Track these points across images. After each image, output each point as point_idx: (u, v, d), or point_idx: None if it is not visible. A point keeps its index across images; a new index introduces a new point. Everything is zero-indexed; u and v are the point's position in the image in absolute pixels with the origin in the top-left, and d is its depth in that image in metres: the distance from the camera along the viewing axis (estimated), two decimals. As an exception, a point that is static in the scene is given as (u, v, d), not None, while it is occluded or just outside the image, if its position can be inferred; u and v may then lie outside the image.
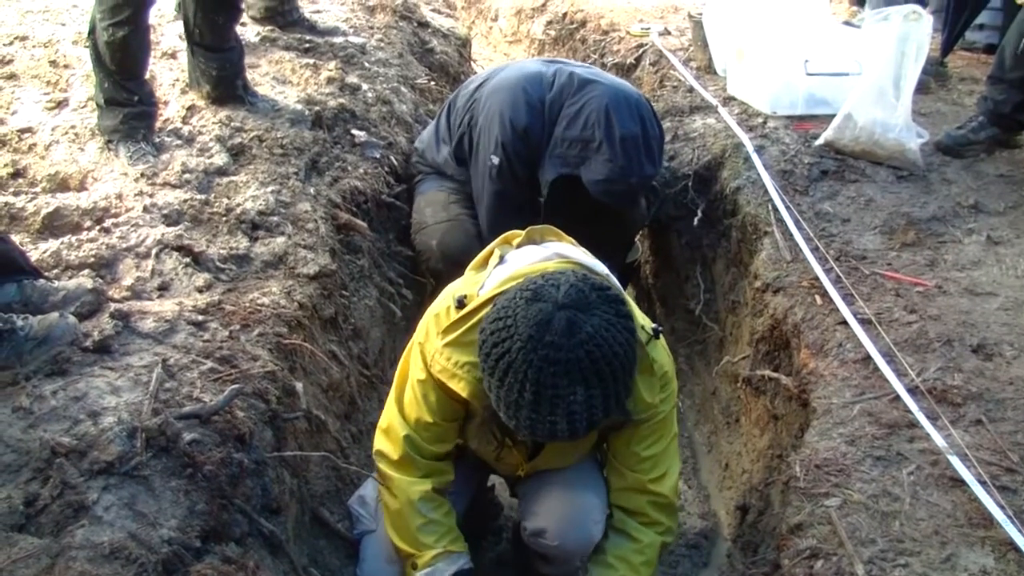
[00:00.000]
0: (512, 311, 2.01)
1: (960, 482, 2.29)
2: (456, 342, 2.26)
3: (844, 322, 2.97)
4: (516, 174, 3.71)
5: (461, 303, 2.27)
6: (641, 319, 2.30)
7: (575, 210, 3.73)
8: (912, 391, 2.61)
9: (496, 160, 3.68)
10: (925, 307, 2.99)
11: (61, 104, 3.84)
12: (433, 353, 2.30)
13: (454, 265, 3.73)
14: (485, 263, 2.48)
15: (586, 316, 1.96)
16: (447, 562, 2.49)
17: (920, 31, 3.72)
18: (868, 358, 2.79)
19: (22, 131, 3.57)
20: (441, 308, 2.36)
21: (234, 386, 2.42)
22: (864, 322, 2.93)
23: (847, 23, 5.38)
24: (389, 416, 2.55)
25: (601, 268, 2.37)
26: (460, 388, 2.27)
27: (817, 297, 3.15)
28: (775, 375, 3.17)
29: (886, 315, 2.97)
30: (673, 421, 2.50)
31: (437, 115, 4.14)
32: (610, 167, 3.52)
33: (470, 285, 2.37)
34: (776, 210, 3.61)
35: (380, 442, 2.58)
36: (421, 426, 2.46)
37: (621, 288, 2.33)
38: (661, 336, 2.35)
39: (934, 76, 4.87)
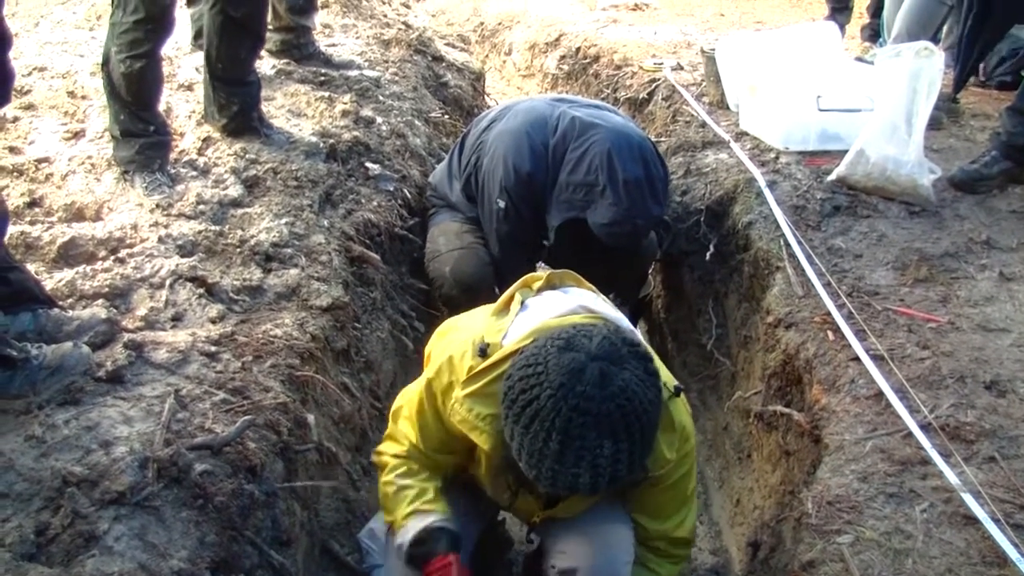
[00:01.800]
0: (543, 358, 1.99)
1: (974, 520, 2.27)
2: (478, 393, 2.23)
3: (856, 358, 2.96)
4: (522, 216, 3.78)
5: (484, 352, 2.25)
6: (665, 376, 2.28)
7: (583, 251, 3.77)
8: (925, 428, 2.59)
9: (502, 204, 3.75)
10: (938, 343, 2.98)
11: (78, 135, 3.87)
12: (453, 403, 2.27)
13: (467, 292, 3.79)
14: (506, 308, 2.44)
15: (618, 369, 1.94)
16: (416, 519, 2.44)
17: (932, 68, 3.73)
18: (880, 394, 2.78)
19: (39, 161, 3.60)
20: (458, 352, 2.33)
21: (246, 417, 2.42)
22: (876, 358, 2.92)
23: (859, 59, 5.40)
24: (393, 431, 2.56)
25: (626, 323, 2.37)
26: (482, 441, 2.25)
27: (829, 333, 3.14)
28: (787, 411, 3.16)
29: (898, 351, 2.96)
30: (693, 476, 2.48)
31: (451, 151, 4.19)
32: (615, 211, 3.56)
33: (492, 332, 2.32)
34: (788, 245, 3.61)
35: (382, 446, 2.60)
36: (424, 448, 2.48)
37: (648, 346, 2.32)
38: (682, 394, 2.34)
39: (946, 112, 4.87)
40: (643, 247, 4.09)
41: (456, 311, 4.05)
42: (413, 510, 2.45)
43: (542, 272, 2.53)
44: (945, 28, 5.74)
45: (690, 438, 2.39)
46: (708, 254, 4.14)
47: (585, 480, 1.95)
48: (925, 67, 3.72)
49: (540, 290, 2.48)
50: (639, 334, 2.37)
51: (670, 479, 2.38)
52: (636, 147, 3.62)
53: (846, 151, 4.00)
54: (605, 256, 3.74)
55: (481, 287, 3.85)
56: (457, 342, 2.38)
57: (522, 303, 2.41)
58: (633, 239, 3.79)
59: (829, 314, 3.20)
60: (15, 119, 3.92)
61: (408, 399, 2.52)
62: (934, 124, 4.40)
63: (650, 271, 4.77)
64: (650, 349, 2.15)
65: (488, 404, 2.20)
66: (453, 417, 2.28)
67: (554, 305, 2.36)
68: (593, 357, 1.95)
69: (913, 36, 4.91)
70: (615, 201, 3.55)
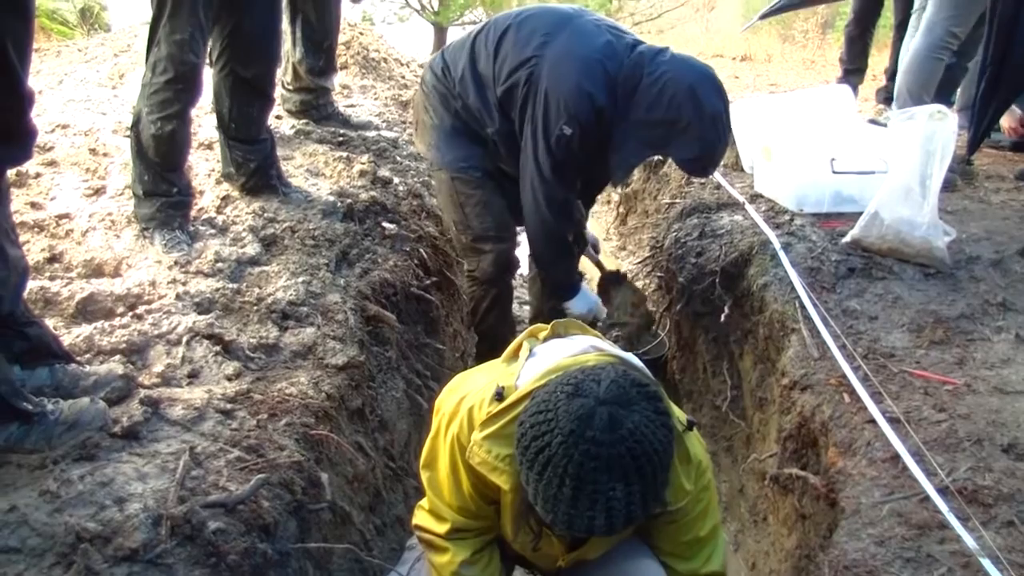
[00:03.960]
0: (553, 405, 1.99)
1: (993, 586, 2.25)
2: (496, 434, 2.23)
3: (872, 421, 2.94)
4: (585, 147, 3.66)
5: (500, 395, 2.26)
6: (676, 412, 2.29)
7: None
8: (942, 491, 2.57)
9: (568, 131, 3.60)
10: (954, 406, 2.96)
11: (99, 191, 3.92)
12: (471, 445, 2.28)
13: (505, 269, 4.08)
14: (515, 355, 2.47)
15: (627, 412, 1.94)
16: None
17: (945, 131, 3.74)
18: (897, 457, 2.75)
19: (60, 217, 3.63)
20: (477, 401, 2.33)
21: (260, 475, 2.42)
22: (893, 421, 2.91)
23: (873, 121, 5.44)
24: (434, 505, 2.52)
25: (638, 362, 2.37)
26: (502, 481, 2.25)
27: (845, 395, 3.13)
28: (803, 474, 3.14)
29: (915, 414, 2.95)
30: (714, 511, 2.47)
31: (472, 41, 3.95)
32: (700, 145, 3.54)
33: (506, 377, 2.35)
34: (803, 307, 3.60)
35: (424, 519, 2.56)
36: (463, 510, 2.45)
37: (658, 383, 2.32)
38: (695, 429, 2.34)
39: (961, 174, 4.89)
40: None
41: (491, 286, 4.18)
42: None
43: (544, 325, 2.55)
44: (959, 89, 5.79)
45: (707, 472, 2.38)
46: (723, 315, 4.14)
47: (600, 522, 1.95)
48: (939, 130, 3.74)
49: (546, 339, 2.50)
50: (649, 372, 2.36)
51: (691, 513, 2.36)
52: (716, 81, 3.60)
53: (860, 213, 4.00)
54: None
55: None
56: (474, 392, 2.39)
57: (530, 351, 2.43)
58: (710, 169, 3.87)
59: (845, 376, 3.19)
60: (37, 175, 3.97)
61: (438, 463, 2.49)
62: (948, 186, 4.42)
63: (664, 333, 4.78)
64: (660, 388, 2.16)
65: (506, 445, 2.20)
66: (472, 460, 2.27)
67: (565, 347, 2.38)
68: (602, 401, 1.95)
69: (914, 95, 4.96)
70: (701, 135, 3.52)
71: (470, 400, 2.36)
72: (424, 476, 2.53)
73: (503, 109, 3.80)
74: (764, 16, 6.46)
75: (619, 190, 6.83)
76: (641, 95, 3.53)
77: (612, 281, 4.64)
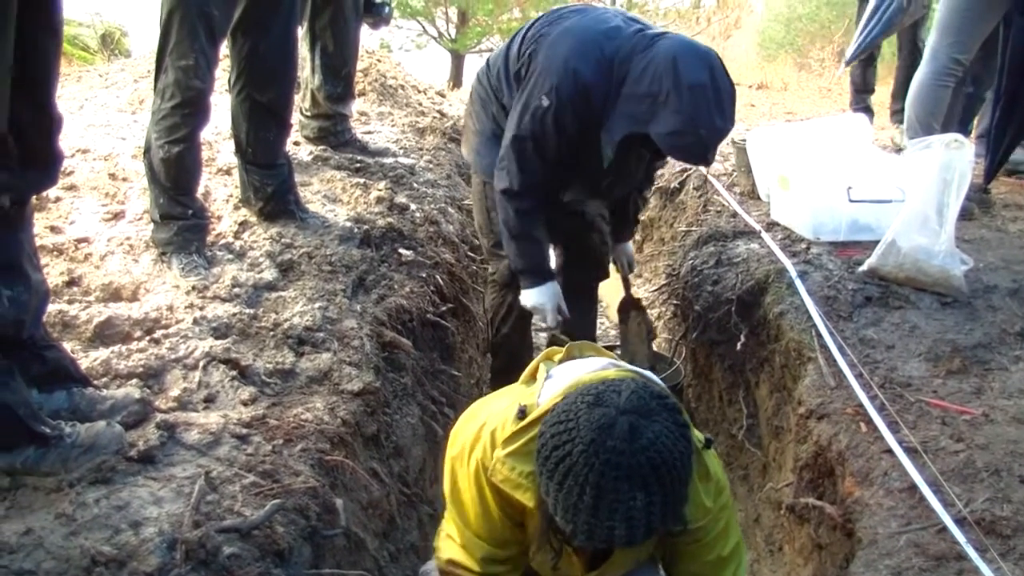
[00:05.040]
0: (574, 415, 2.00)
1: (1012, 619, 2.23)
2: (519, 451, 2.23)
3: (889, 450, 2.93)
4: (561, 125, 3.53)
5: (523, 414, 2.26)
6: (694, 430, 2.29)
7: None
8: (960, 522, 2.55)
9: (545, 103, 3.49)
10: (972, 436, 2.94)
11: (118, 216, 3.94)
12: (494, 462, 2.28)
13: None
14: (533, 377, 2.49)
15: (647, 423, 1.95)
16: None
17: (962, 159, 3.74)
18: (914, 487, 2.74)
19: (79, 241, 3.66)
20: (499, 424, 2.34)
21: (275, 501, 2.42)
22: (910, 451, 2.89)
23: (896, 148, 5.45)
24: (465, 539, 2.50)
25: (656, 379, 2.38)
26: (526, 498, 2.24)
27: (862, 424, 3.12)
28: (819, 503, 3.12)
29: (932, 444, 2.93)
30: (734, 530, 2.46)
31: (507, 46, 3.93)
32: (677, 118, 3.28)
33: (527, 396, 2.36)
34: (820, 336, 3.60)
35: (455, 553, 2.53)
36: (493, 538, 2.44)
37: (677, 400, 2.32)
38: (712, 447, 2.33)
39: (978, 203, 4.88)
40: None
41: (508, 291, 4.12)
42: None
43: (559, 348, 2.56)
44: (976, 118, 5.80)
45: (725, 490, 2.38)
46: (739, 344, 4.13)
47: (621, 532, 1.95)
48: (955, 159, 3.74)
49: (561, 361, 2.51)
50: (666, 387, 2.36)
51: (712, 532, 2.36)
52: (703, 54, 3.36)
53: (877, 242, 4.00)
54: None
55: None
56: (494, 416, 2.39)
57: (547, 373, 2.44)
58: (696, 152, 3.47)
59: (861, 406, 3.18)
60: (57, 199, 4.00)
61: (462, 492, 2.47)
62: (965, 215, 4.41)
63: (680, 360, 4.76)
64: (679, 403, 2.16)
65: (529, 462, 2.20)
66: (495, 477, 2.27)
67: (583, 366, 2.39)
68: (622, 411, 1.96)
69: (923, 124, 4.97)
70: (678, 108, 3.26)
71: (491, 423, 2.37)
72: (450, 508, 2.52)
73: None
74: (854, 57, 6.53)
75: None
76: (631, 72, 3.40)
77: (631, 306, 4.61)
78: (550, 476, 2.01)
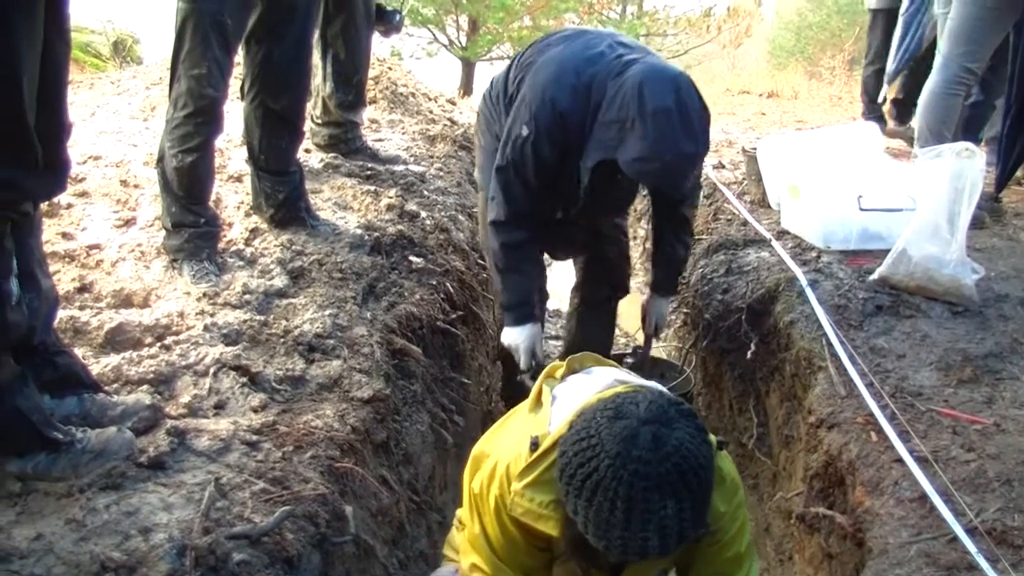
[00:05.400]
0: (595, 430, 2.00)
1: (1022, 629, 2.22)
2: (536, 482, 2.22)
3: (900, 460, 2.92)
4: (540, 154, 3.55)
5: (535, 445, 2.25)
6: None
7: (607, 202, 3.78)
8: (971, 532, 2.54)
9: (525, 132, 3.53)
10: (983, 445, 2.93)
11: (129, 222, 3.96)
12: (512, 496, 2.27)
13: None
14: (538, 402, 2.47)
15: (669, 430, 1.95)
16: None
17: (973, 168, 3.73)
18: (925, 497, 2.73)
19: (90, 247, 3.67)
20: (513, 458, 2.32)
21: (285, 508, 2.42)
22: (921, 460, 2.88)
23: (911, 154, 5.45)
24: (487, 563, 2.48)
25: (662, 389, 2.37)
26: (549, 528, 2.23)
27: (872, 434, 3.11)
28: (830, 513, 3.11)
29: (943, 453, 2.92)
30: (747, 530, 2.45)
31: (508, 67, 4.01)
32: (642, 144, 3.26)
33: (537, 426, 2.34)
34: (830, 345, 3.59)
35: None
36: (521, 567, 2.44)
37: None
38: (724, 448, 2.33)
39: (989, 211, 4.87)
40: (688, 199, 3.87)
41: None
42: None
43: (560, 363, 2.55)
44: (987, 125, 5.79)
45: (738, 490, 2.38)
46: (749, 352, 4.12)
47: (655, 543, 1.94)
48: (967, 167, 3.73)
49: (563, 376, 2.50)
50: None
51: (727, 533, 2.35)
52: (669, 78, 3.32)
53: (888, 251, 3.99)
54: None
55: None
56: (507, 452, 2.37)
57: (552, 395, 2.43)
58: (663, 177, 3.43)
59: (872, 415, 3.17)
60: (69, 205, 4.01)
61: (487, 529, 2.45)
62: (976, 223, 4.40)
63: (690, 368, 4.75)
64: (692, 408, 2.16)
65: (547, 491, 2.20)
66: (515, 511, 2.26)
67: (587, 386, 2.38)
68: (644, 421, 1.96)
69: (935, 133, 4.96)
70: (643, 134, 3.25)
71: (505, 459, 2.36)
72: (479, 543, 2.49)
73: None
74: (897, 73, 6.57)
75: (643, 224, 6.82)
76: (604, 99, 3.41)
77: (648, 366, 4.41)
78: (578, 494, 2.00)
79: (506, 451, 2.38)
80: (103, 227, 3.90)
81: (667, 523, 1.93)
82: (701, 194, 4.41)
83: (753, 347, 4.11)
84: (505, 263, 3.80)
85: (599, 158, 3.45)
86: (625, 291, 4.48)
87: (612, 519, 1.95)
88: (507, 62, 4.08)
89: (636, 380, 2.39)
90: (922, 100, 5.13)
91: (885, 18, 6.95)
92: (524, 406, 2.55)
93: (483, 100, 4.12)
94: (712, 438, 2.29)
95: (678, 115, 3.26)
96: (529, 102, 3.55)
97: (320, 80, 4.95)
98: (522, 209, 3.69)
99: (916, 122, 5.28)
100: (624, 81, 3.35)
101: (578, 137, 3.50)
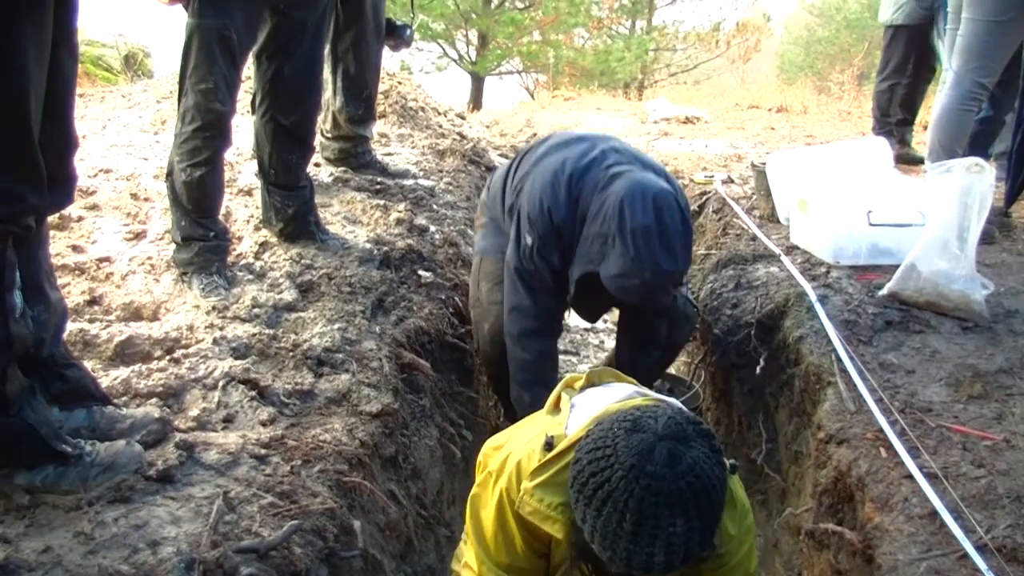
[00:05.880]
0: (611, 440, 2.00)
1: (1034, 648, 2.21)
2: (547, 483, 2.23)
3: (910, 476, 2.90)
4: (547, 260, 3.65)
5: (550, 445, 2.26)
6: None
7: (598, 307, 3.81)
8: (981, 549, 2.52)
9: (529, 240, 3.65)
10: (993, 461, 2.92)
11: (139, 235, 3.97)
12: (522, 494, 2.27)
13: (503, 350, 3.82)
14: (556, 407, 2.49)
15: (685, 448, 1.95)
16: None
17: (983, 183, 3.72)
18: (935, 513, 2.72)
19: (101, 260, 3.68)
20: (525, 454, 2.34)
21: (293, 522, 2.42)
22: (930, 476, 2.87)
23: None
24: (477, 562, 2.50)
25: (680, 406, 2.37)
26: (555, 530, 2.24)
27: (882, 450, 3.09)
28: (839, 529, 3.10)
29: (953, 469, 2.91)
30: (754, 553, 2.45)
31: (510, 163, 4.09)
32: (622, 261, 3.36)
33: (554, 426, 2.36)
34: (840, 360, 3.58)
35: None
36: (514, 568, 2.43)
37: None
38: (736, 472, 2.33)
39: (998, 226, 4.86)
40: (666, 314, 3.89)
41: (490, 368, 4.06)
42: None
43: (579, 375, 2.55)
44: (996, 140, 5.78)
45: (748, 514, 2.38)
46: (758, 368, 4.11)
47: (660, 559, 1.94)
48: (976, 182, 3.72)
49: (582, 389, 2.50)
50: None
51: (735, 557, 2.35)
52: (650, 197, 3.38)
53: (897, 266, 3.98)
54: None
55: None
56: (521, 446, 2.38)
57: (572, 403, 2.43)
58: (644, 293, 3.49)
59: (881, 431, 3.16)
60: (79, 218, 4.03)
61: (483, 522, 2.47)
62: (986, 239, 4.39)
63: (699, 383, 4.74)
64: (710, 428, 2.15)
65: (558, 493, 2.20)
66: (523, 509, 2.27)
67: (606, 396, 2.38)
68: (661, 437, 1.96)
69: (946, 148, 4.95)
70: (623, 252, 3.34)
71: (517, 454, 2.36)
72: (471, 538, 2.51)
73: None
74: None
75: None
76: (590, 211, 3.52)
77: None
78: (588, 503, 2.00)
79: (519, 446, 2.39)
80: (113, 240, 3.91)
81: (674, 540, 1.93)
82: (695, 306, 4.33)
83: (762, 362, 4.10)
84: (521, 377, 3.83)
85: (583, 271, 3.56)
86: (670, 359, 4.40)
87: (620, 531, 1.95)
88: (508, 163, 4.17)
89: (655, 395, 2.40)
90: (934, 116, 5.13)
91: (907, 35, 6.89)
92: (541, 411, 2.57)
93: (486, 189, 4.28)
94: (724, 461, 2.30)
95: (658, 233, 3.35)
96: (529, 211, 3.67)
97: (330, 94, 4.97)
98: (534, 313, 3.77)
99: (927, 138, 5.27)
100: (607, 195, 3.45)
101: (569, 247, 3.63)
